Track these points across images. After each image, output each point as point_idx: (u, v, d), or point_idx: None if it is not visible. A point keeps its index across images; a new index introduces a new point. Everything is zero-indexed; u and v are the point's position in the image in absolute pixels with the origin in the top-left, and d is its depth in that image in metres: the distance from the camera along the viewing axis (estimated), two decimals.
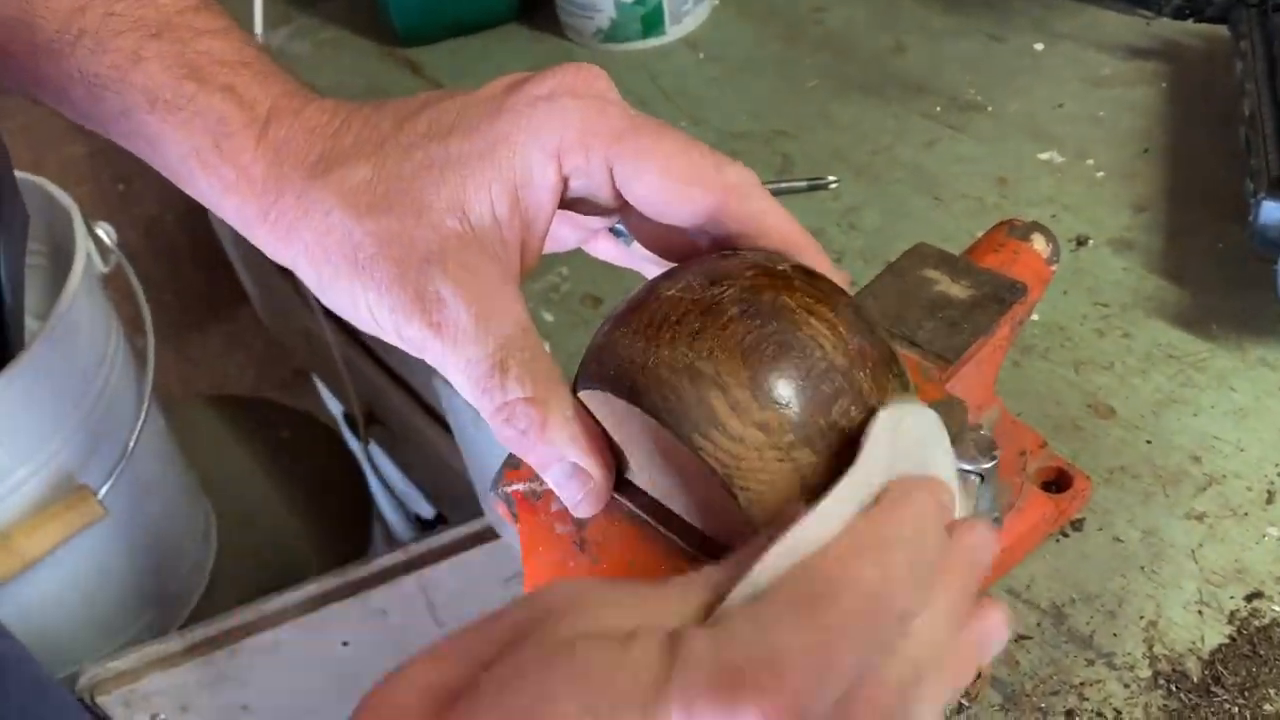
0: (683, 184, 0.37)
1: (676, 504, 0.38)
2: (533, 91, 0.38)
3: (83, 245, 0.84)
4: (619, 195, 0.38)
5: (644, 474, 0.38)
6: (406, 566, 0.87)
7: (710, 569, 0.28)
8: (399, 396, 1.00)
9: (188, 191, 0.40)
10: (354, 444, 1.22)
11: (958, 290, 0.48)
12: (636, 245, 0.44)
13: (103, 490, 0.83)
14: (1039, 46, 0.82)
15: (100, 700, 0.82)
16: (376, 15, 0.96)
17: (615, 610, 0.25)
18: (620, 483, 0.38)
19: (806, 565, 0.27)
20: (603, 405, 0.37)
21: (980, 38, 0.84)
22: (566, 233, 0.45)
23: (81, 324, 0.83)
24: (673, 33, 0.90)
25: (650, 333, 0.35)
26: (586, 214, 0.41)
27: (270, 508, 1.12)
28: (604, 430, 0.37)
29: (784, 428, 0.33)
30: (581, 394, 0.37)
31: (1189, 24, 0.78)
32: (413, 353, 0.38)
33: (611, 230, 0.46)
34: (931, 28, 0.86)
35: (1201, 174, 0.69)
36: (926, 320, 0.47)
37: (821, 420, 0.33)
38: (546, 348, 0.37)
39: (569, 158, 0.37)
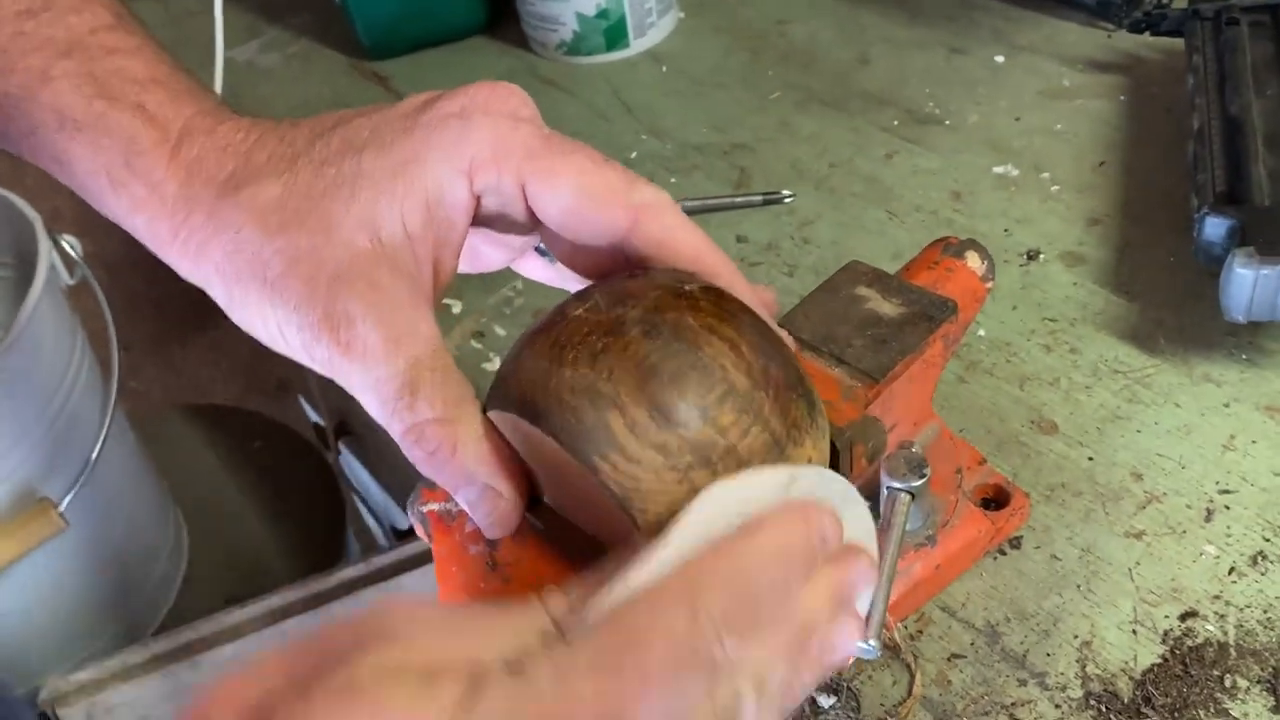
0: (594, 203, 0.37)
1: (584, 524, 0.38)
2: (445, 109, 0.38)
3: (45, 257, 0.84)
4: (533, 214, 0.38)
5: (552, 494, 0.38)
6: (371, 579, 0.86)
7: (558, 595, 0.28)
8: None
9: (99, 210, 0.40)
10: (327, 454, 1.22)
11: (888, 308, 0.48)
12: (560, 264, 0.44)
13: (64, 503, 0.83)
14: (999, 59, 0.82)
15: (62, 713, 0.82)
16: (344, 29, 0.96)
17: (437, 640, 0.25)
18: (532, 503, 0.38)
19: (622, 612, 0.27)
20: (511, 426, 0.36)
21: (942, 50, 0.84)
22: (492, 252, 0.45)
23: (44, 336, 0.83)
24: (636, 45, 0.90)
25: (554, 353, 0.34)
26: (503, 232, 0.41)
27: (244, 518, 1.12)
28: (514, 451, 0.37)
29: (682, 449, 0.33)
30: (491, 414, 0.37)
31: (1147, 37, 0.77)
32: (323, 373, 0.38)
33: (537, 249, 0.46)
34: (895, 40, 0.86)
35: (1155, 187, 0.69)
36: (855, 338, 0.46)
37: (721, 441, 0.33)
38: (455, 368, 0.37)
39: (480, 175, 0.37)
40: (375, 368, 0.36)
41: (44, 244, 0.85)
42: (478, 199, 0.38)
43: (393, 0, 0.91)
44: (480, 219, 0.39)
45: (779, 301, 0.42)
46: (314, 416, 1.37)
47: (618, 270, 0.39)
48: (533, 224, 0.39)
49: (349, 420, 1.13)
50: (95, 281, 0.91)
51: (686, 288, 0.36)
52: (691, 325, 0.34)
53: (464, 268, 0.44)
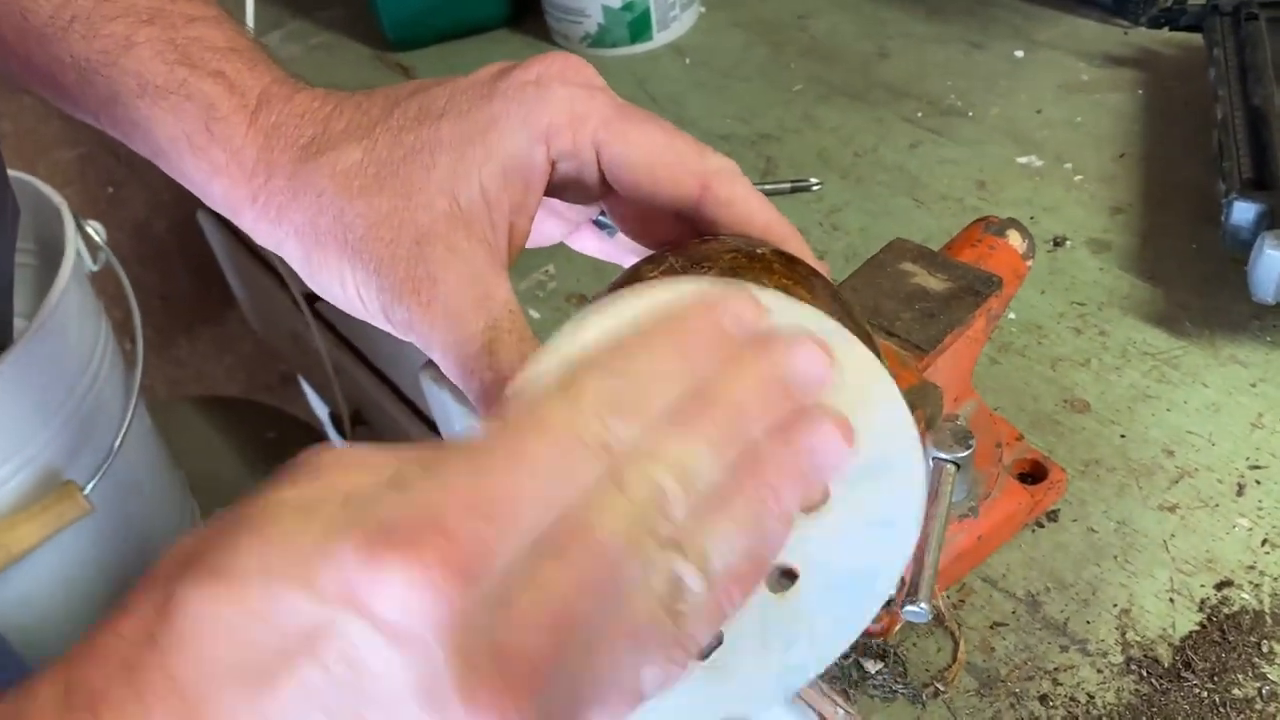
0: (668, 168, 0.38)
1: None
2: (521, 77, 0.39)
3: (72, 242, 0.84)
4: (604, 181, 0.39)
5: None
6: None
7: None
8: (385, 397, 1.01)
9: (174, 176, 0.41)
10: (340, 444, 1.22)
11: (935, 283, 0.49)
12: (620, 237, 0.45)
13: (89, 487, 0.83)
14: (1019, 54, 0.84)
15: None
16: (368, 20, 0.97)
17: (344, 472, 0.25)
18: None
19: (497, 420, 0.26)
20: None
21: (962, 45, 0.86)
22: (550, 226, 0.46)
23: (70, 321, 0.84)
24: (660, 38, 0.91)
25: None
26: (572, 200, 0.42)
27: None
28: None
29: None
30: None
31: (1165, 33, 0.79)
32: (399, 334, 0.38)
33: (595, 222, 0.47)
34: (914, 34, 0.88)
35: (1176, 177, 0.70)
36: (904, 311, 0.48)
37: None
38: (530, 331, 0.38)
39: (557, 141, 0.38)
40: (456, 329, 0.37)
41: (70, 228, 0.85)
42: (553, 165, 0.39)
43: None
44: (552, 186, 0.40)
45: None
46: (321, 408, 1.37)
47: (681, 240, 0.40)
48: (602, 191, 0.40)
49: (363, 410, 1.13)
50: (119, 267, 0.92)
51: (759, 251, 0.37)
52: (767, 287, 0.35)
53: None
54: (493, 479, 0.24)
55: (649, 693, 0.25)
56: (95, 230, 0.90)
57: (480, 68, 0.41)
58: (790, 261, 0.37)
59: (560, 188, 0.40)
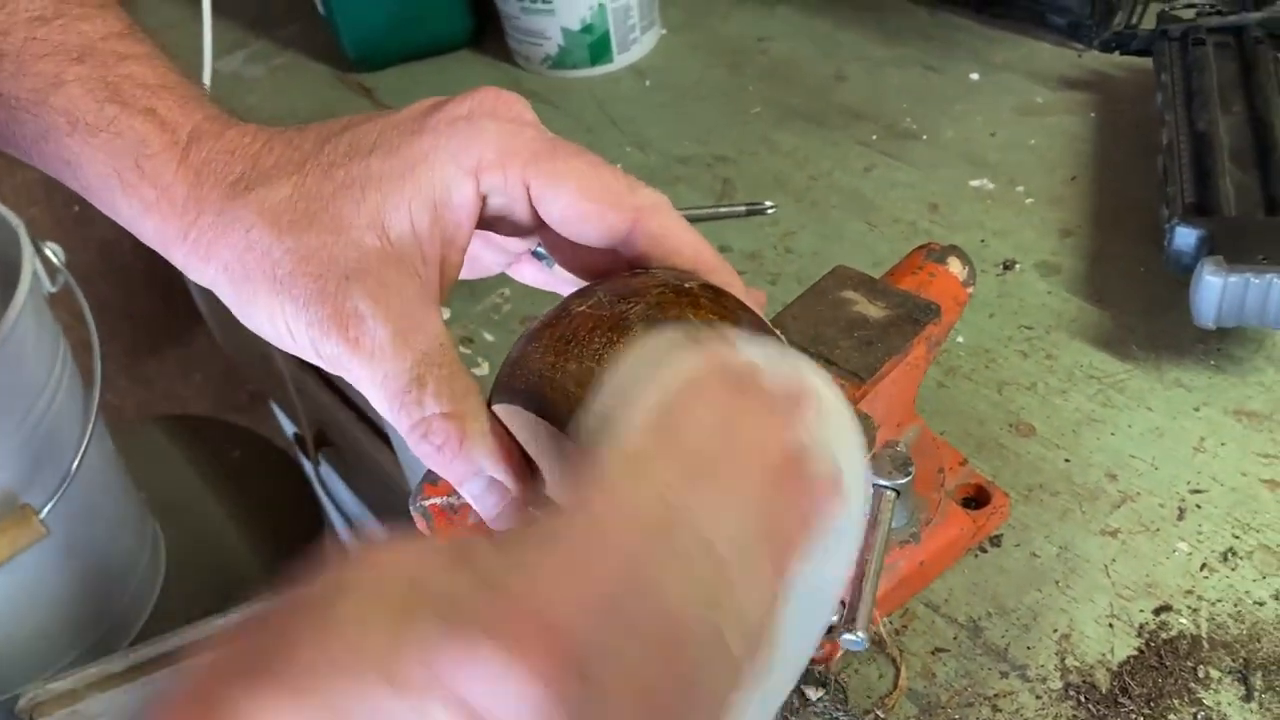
0: (597, 203, 0.38)
1: None
2: (452, 112, 0.39)
3: (29, 264, 0.84)
4: (536, 215, 0.40)
5: (556, 486, 0.39)
6: None
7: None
8: (347, 417, 1.01)
9: (107, 213, 0.41)
10: (306, 464, 1.22)
11: (874, 311, 0.49)
12: (559, 268, 0.45)
13: (45, 511, 0.83)
14: (975, 76, 0.84)
15: None
16: (329, 41, 0.97)
17: (397, 556, 0.24)
18: (535, 495, 0.39)
19: (579, 498, 0.26)
20: (516, 418, 0.37)
21: (918, 68, 0.86)
22: (489, 257, 0.46)
23: (26, 343, 0.83)
24: (620, 60, 0.91)
25: (559, 347, 0.36)
26: (505, 234, 0.42)
27: (221, 529, 1.12)
28: (519, 444, 0.38)
29: None
30: (496, 408, 0.38)
31: (1117, 56, 0.80)
32: (330, 370, 0.38)
33: (533, 254, 0.47)
34: (872, 58, 0.89)
35: (1125, 200, 0.71)
36: (843, 339, 0.48)
37: None
38: (461, 364, 0.38)
39: (487, 176, 0.38)
40: (384, 363, 0.37)
41: (27, 250, 0.85)
42: (483, 199, 0.39)
43: (379, 13, 0.92)
44: (484, 221, 0.40)
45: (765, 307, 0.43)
46: (289, 428, 1.37)
47: (615, 272, 0.40)
48: (535, 225, 0.40)
49: (328, 431, 1.13)
50: (78, 288, 0.91)
51: (687, 285, 0.37)
52: (693, 321, 0.35)
53: (462, 274, 0.45)
54: (587, 569, 0.23)
55: None
56: (54, 252, 0.89)
57: (418, 99, 0.41)
58: (717, 295, 0.37)
59: (493, 222, 0.41)
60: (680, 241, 0.39)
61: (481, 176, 0.38)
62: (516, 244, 0.45)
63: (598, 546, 0.24)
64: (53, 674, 0.84)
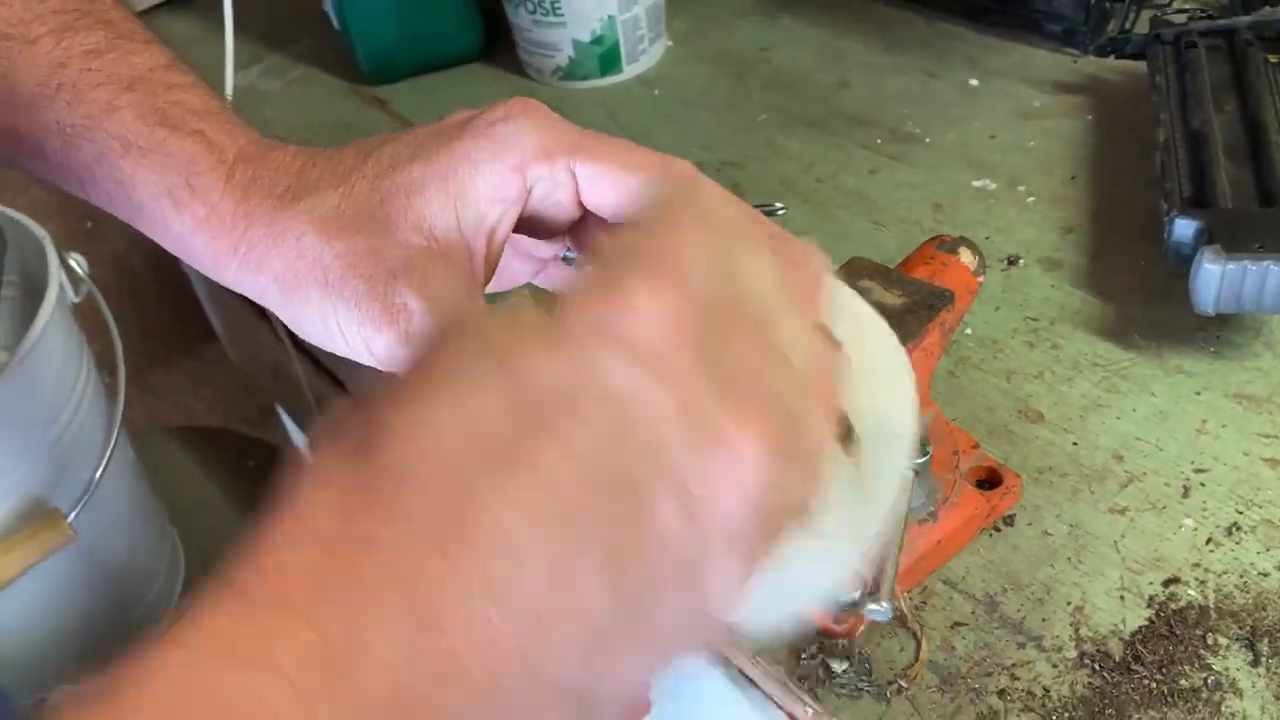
0: (641, 175, 0.41)
1: None
2: (489, 117, 0.42)
3: (55, 274, 0.86)
4: (577, 204, 0.42)
5: None
6: None
7: None
8: None
9: (156, 235, 0.43)
10: None
11: (890, 298, 0.51)
12: None
13: (71, 516, 0.84)
14: (973, 82, 0.87)
15: None
16: (344, 54, 1.00)
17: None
18: None
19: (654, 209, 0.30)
20: None
21: (918, 75, 0.89)
22: (517, 266, 0.48)
23: (53, 352, 0.85)
24: (629, 71, 0.94)
25: None
26: (541, 235, 0.44)
27: (236, 537, 1.13)
28: None
29: None
30: None
31: (1111, 61, 0.83)
32: (384, 367, 0.40)
33: (563, 259, 0.49)
34: (872, 65, 0.91)
35: (1123, 197, 0.73)
36: None
37: None
38: None
39: (532, 168, 0.40)
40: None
41: (53, 261, 0.87)
42: (528, 193, 0.41)
43: (392, 26, 0.94)
44: (525, 217, 0.42)
45: None
46: (302, 441, 1.38)
47: None
48: (573, 217, 0.42)
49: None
50: (102, 299, 0.93)
51: None
52: None
53: (492, 286, 0.47)
54: (678, 244, 0.27)
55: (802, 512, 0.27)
56: (78, 262, 0.91)
57: (451, 110, 0.43)
58: None
59: (532, 221, 0.43)
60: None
61: (527, 169, 0.40)
62: (546, 249, 0.47)
63: (679, 242, 0.27)
64: (78, 678, 0.85)
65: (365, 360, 0.40)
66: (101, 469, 0.89)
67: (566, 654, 0.23)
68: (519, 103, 0.43)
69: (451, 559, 0.22)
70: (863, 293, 0.52)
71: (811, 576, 0.35)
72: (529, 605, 0.23)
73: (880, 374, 0.39)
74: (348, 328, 0.39)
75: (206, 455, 1.21)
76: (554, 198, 0.42)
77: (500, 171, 0.40)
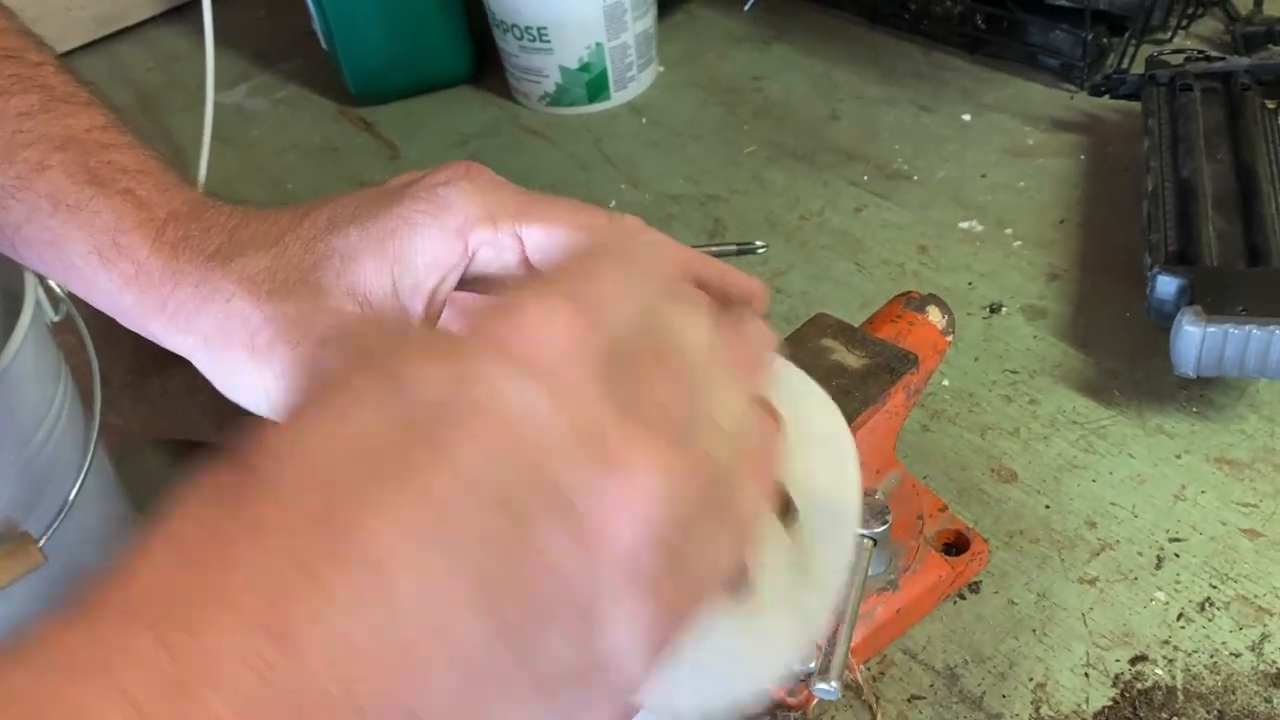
0: (592, 235, 0.39)
1: None
2: (430, 181, 0.40)
3: (31, 293, 0.85)
4: (525, 265, 0.40)
5: None
6: None
7: None
8: None
9: (89, 296, 0.42)
10: None
11: (852, 360, 0.50)
12: None
13: (44, 539, 0.83)
14: (966, 117, 0.85)
15: None
16: (332, 76, 0.99)
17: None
18: None
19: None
20: None
21: (911, 108, 0.87)
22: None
23: (28, 372, 0.84)
24: (618, 98, 0.92)
25: None
26: (492, 293, 0.43)
27: None
28: None
29: None
30: None
31: (1107, 100, 0.81)
32: None
33: None
34: (866, 97, 0.89)
35: (1113, 244, 0.71)
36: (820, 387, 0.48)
37: None
38: None
39: (475, 232, 0.39)
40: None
41: (30, 280, 0.86)
42: (471, 257, 0.40)
43: (380, 49, 0.93)
44: (468, 280, 0.41)
45: None
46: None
47: None
48: (522, 273, 0.41)
49: None
50: (79, 318, 0.92)
51: None
52: None
53: None
54: (596, 279, 0.26)
55: (720, 574, 0.26)
56: (57, 282, 0.90)
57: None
58: None
59: (478, 283, 0.41)
60: (675, 253, 0.40)
61: (470, 234, 0.39)
62: None
63: (594, 271, 0.26)
64: None
65: None
66: (77, 488, 0.88)
67: (441, 691, 0.21)
68: (462, 166, 0.41)
69: (315, 574, 0.21)
70: (824, 352, 0.50)
71: (744, 658, 0.33)
72: (398, 630, 0.21)
73: (827, 454, 0.37)
74: (274, 394, 0.38)
75: (193, 469, 1.20)
76: (500, 260, 0.40)
77: (440, 235, 0.39)
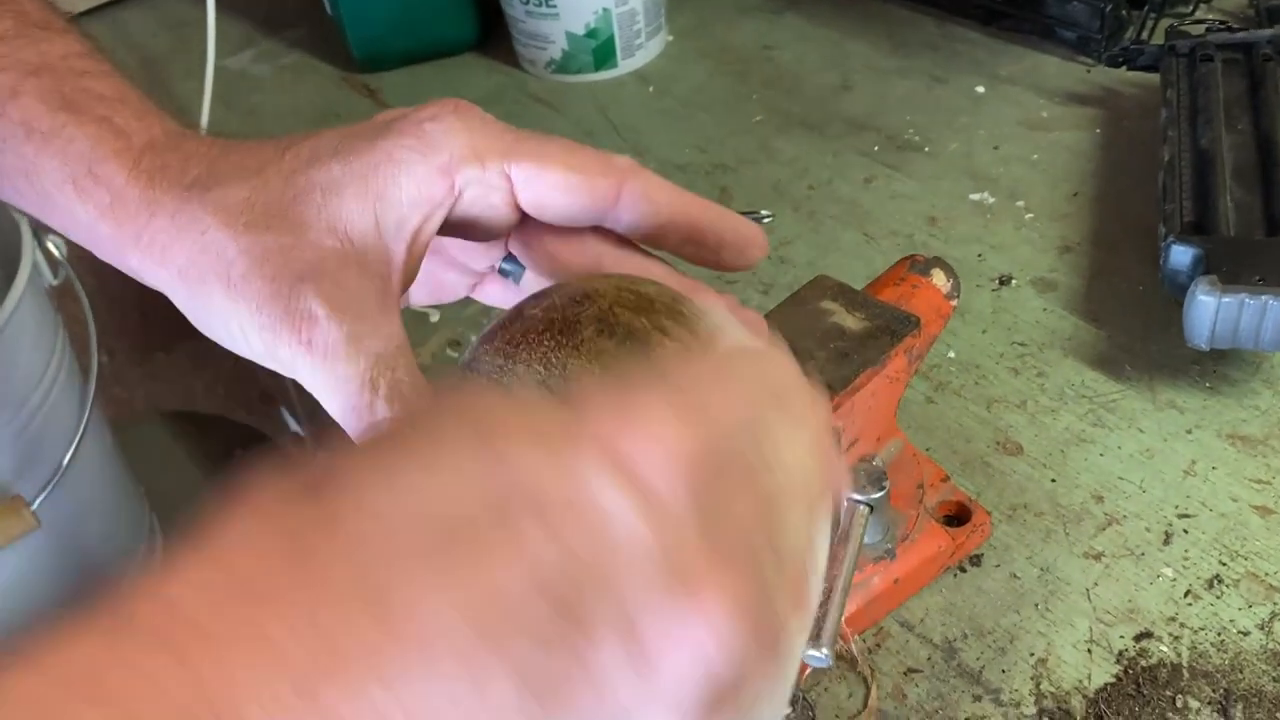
0: (583, 173, 0.38)
1: None
2: (417, 117, 0.39)
3: (29, 255, 0.84)
4: (513, 207, 0.39)
5: None
6: None
7: None
8: None
9: (65, 228, 0.40)
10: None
11: (852, 322, 0.48)
12: (526, 280, 0.44)
13: (36, 503, 0.83)
14: (980, 89, 0.83)
15: None
16: (337, 42, 0.97)
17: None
18: None
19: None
20: None
21: (924, 79, 0.85)
22: (453, 279, 0.45)
23: (24, 335, 0.83)
24: (625, 66, 0.91)
25: (509, 350, 0.35)
26: (477, 238, 0.42)
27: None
28: None
29: None
30: None
31: (1125, 72, 0.79)
32: (286, 374, 0.38)
33: (499, 271, 0.46)
34: (878, 68, 0.88)
35: (1126, 217, 0.70)
36: (818, 350, 0.47)
37: None
38: (416, 368, 0.37)
39: (462, 170, 0.38)
40: (336, 366, 0.36)
41: (28, 242, 0.85)
42: (458, 196, 0.38)
43: (385, 14, 0.92)
44: (454, 222, 0.40)
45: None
46: (294, 427, 1.37)
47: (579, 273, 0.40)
48: (509, 221, 0.40)
49: (330, 431, 1.13)
50: (78, 282, 0.91)
51: (643, 289, 0.36)
52: (645, 326, 0.35)
53: (425, 299, 0.45)
54: (712, 380, 0.26)
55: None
56: (55, 245, 0.89)
57: (423, 101, 0.41)
58: (673, 300, 0.36)
59: (464, 226, 0.40)
60: (668, 197, 0.39)
61: (456, 171, 0.38)
62: (482, 258, 0.44)
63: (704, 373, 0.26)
64: None
65: (270, 365, 0.38)
66: (71, 452, 0.87)
67: None
68: (450, 103, 0.40)
69: (364, 639, 0.20)
70: (824, 315, 0.49)
71: None
72: (432, 709, 0.20)
73: None
74: (249, 331, 0.37)
75: (197, 442, 1.20)
76: (487, 201, 0.39)
77: (425, 172, 0.38)
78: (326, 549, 0.21)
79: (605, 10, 0.86)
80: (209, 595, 0.20)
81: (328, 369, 0.36)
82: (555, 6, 0.86)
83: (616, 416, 0.23)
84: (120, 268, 0.40)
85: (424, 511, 0.21)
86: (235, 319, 0.37)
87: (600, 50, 0.89)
